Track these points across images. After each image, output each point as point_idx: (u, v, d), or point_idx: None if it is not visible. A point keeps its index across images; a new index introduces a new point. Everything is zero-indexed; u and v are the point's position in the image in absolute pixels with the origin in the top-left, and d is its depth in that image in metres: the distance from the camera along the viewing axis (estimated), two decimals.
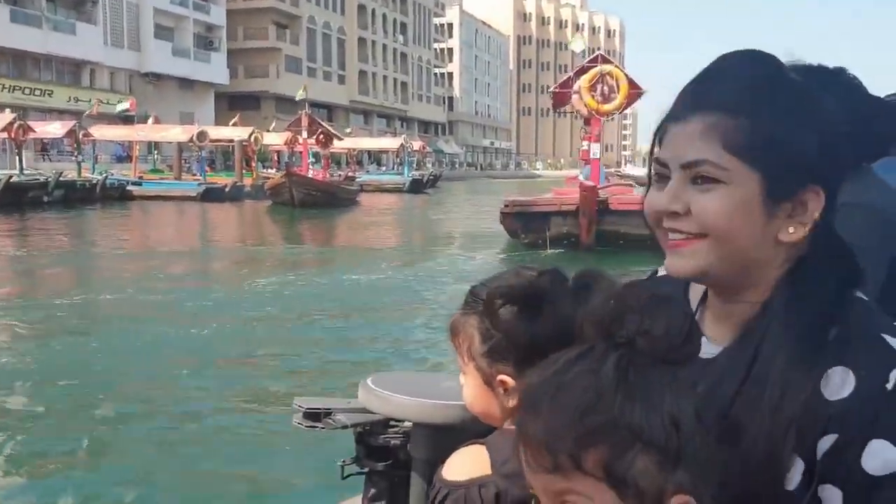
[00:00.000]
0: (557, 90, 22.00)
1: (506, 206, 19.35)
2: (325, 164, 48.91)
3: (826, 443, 0.95)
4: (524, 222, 18.97)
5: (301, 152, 45.14)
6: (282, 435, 5.90)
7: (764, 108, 1.01)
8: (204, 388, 7.56)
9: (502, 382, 1.32)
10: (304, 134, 42.18)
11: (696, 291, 1.19)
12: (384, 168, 71.44)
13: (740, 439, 0.97)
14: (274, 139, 50.64)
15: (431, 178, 65.32)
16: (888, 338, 0.98)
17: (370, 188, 51.58)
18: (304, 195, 34.30)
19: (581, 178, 20.84)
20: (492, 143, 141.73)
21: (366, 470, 2.12)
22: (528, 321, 1.29)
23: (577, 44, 23.20)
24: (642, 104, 19.58)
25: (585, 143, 20.45)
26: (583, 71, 20.24)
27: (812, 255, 1.04)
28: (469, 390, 1.39)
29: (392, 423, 2.10)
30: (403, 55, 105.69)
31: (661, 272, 1.25)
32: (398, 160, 64.68)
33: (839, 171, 1.06)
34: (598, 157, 19.88)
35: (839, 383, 0.96)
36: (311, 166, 45.87)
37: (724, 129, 1.01)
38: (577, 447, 0.84)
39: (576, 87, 20.08)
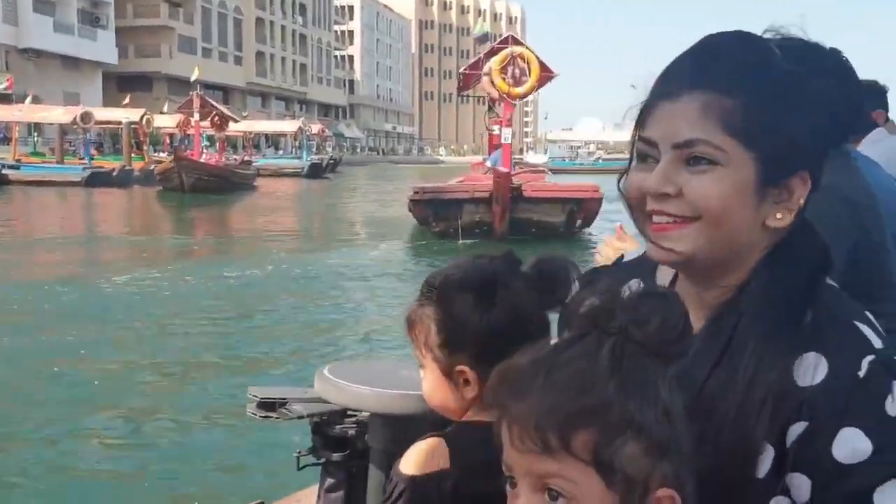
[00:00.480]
0: (467, 71, 21.09)
1: (416, 192, 18.34)
2: (221, 148, 47.11)
3: (797, 430, 0.95)
4: (435, 210, 18.01)
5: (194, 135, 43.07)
6: (234, 426, 5.85)
7: (760, 90, 1.00)
8: (129, 388, 7.18)
9: (461, 373, 1.32)
10: (196, 116, 40.37)
11: (663, 277, 1.17)
12: (281, 152, 69.66)
13: (711, 419, 0.97)
14: (167, 122, 48.54)
15: (331, 162, 64.12)
16: (860, 325, 0.99)
17: (267, 172, 49.91)
18: (195, 180, 32.72)
19: (488, 163, 20.08)
20: (394, 128, 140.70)
21: (322, 461, 2.12)
22: (482, 309, 1.29)
23: (480, 28, 22.28)
24: (545, 91, 18.81)
25: (496, 127, 19.68)
26: (493, 52, 19.42)
27: (789, 241, 1.04)
28: (427, 383, 1.38)
29: (349, 412, 2.08)
30: (303, 37, 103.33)
31: (628, 258, 1.30)
32: (297, 144, 63.26)
33: (824, 155, 1.06)
34: (509, 141, 19.08)
35: (812, 369, 0.95)
36: (205, 150, 43.88)
37: (721, 109, 0.99)
38: (568, 427, 0.83)
39: (486, 68, 19.23)
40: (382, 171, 71.94)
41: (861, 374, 0.94)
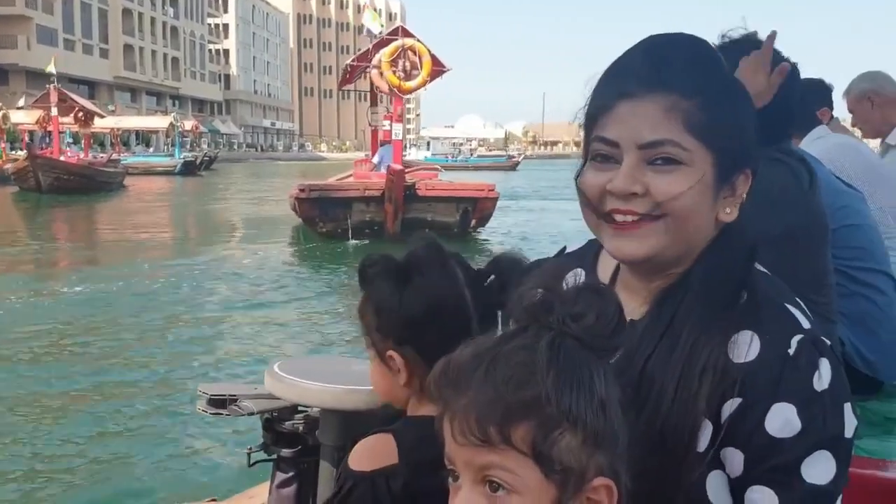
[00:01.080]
0: (355, 63, 19.89)
1: (301, 190, 16.98)
2: (86, 145, 44.13)
3: (731, 406, 1.00)
4: (323, 209, 16.81)
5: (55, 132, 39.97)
6: (183, 424, 5.82)
7: (716, 91, 1.06)
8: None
9: (391, 357, 1.34)
10: (54, 111, 37.44)
11: (605, 267, 1.22)
12: (152, 150, 66.23)
13: (654, 394, 1.03)
14: (25, 118, 45.08)
15: (206, 159, 61.70)
16: (790, 307, 1.07)
17: (137, 171, 47.24)
18: (53, 180, 30.37)
19: (375, 160, 19.02)
20: (273, 124, 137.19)
21: (274, 457, 2.13)
22: (397, 291, 1.32)
23: (372, 23, 21.07)
24: (432, 86, 17.83)
25: (387, 122, 18.57)
26: (382, 44, 18.30)
27: (725, 230, 1.10)
28: (371, 370, 1.40)
29: (300, 408, 2.09)
30: (174, 29, 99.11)
31: (569, 250, 1.33)
32: (169, 141, 60.50)
33: (760, 151, 1.11)
34: (400, 137, 18.05)
35: (746, 347, 1.02)
36: (68, 147, 40.82)
37: (683, 110, 1.03)
38: (508, 420, 0.85)
39: (375, 61, 18.12)
40: (262, 169, 69.89)
41: (791, 351, 1.01)
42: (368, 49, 19.32)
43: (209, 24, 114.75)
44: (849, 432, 1.02)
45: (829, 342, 1.04)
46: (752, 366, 1.01)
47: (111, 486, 5.11)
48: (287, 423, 2.09)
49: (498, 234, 18.54)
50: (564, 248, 1.36)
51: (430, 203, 16.73)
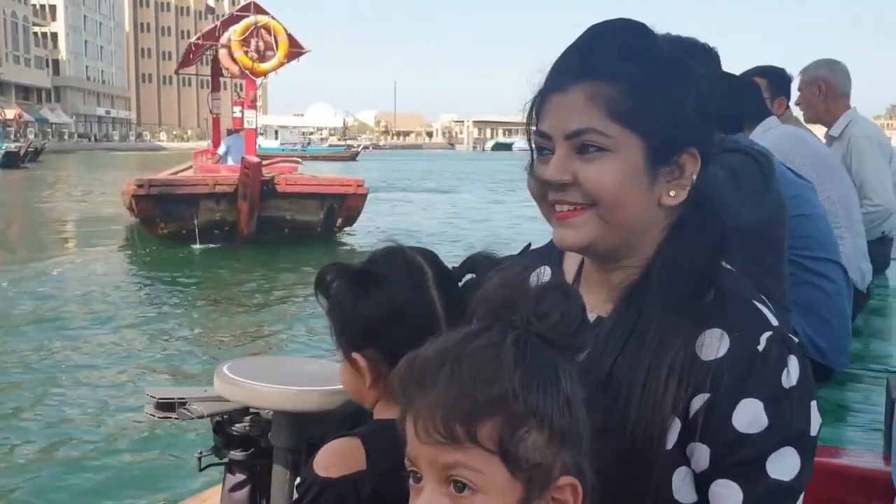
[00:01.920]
0: (199, 41, 17.71)
1: (139, 186, 14.47)
2: None
3: (699, 401, 1.01)
4: (165, 207, 14.54)
5: None
6: (130, 428, 5.72)
7: (643, 74, 1.04)
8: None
9: (355, 360, 1.32)
10: None
11: (570, 263, 1.22)
12: None
13: (622, 395, 1.04)
14: None
15: (32, 151, 56.88)
16: (758, 304, 1.08)
17: None
18: None
19: (220, 151, 17.03)
20: (108, 112, 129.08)
21: (225, 460, 2.10)
22: (353, 298, 1.30)
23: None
24: (280, 72, 15.94)
25: (237, 108, 16.61)
26: (232, 21, 16.29)
27: (688, 220, 1.09)
28: (340, 370, 1.38)
29: (251, 410, 2.04)
30: None
31: (534, 246, 1.33)
32: None
33: (711, 133, 1.13)
34: (253, 126, 16.14)
35: (714, 345, 1.02)
36: None
37: (606, 97, 1.03)
38: (474, 418, 0.84)
39: (224, 40, 16.10)
40: (96, 160, 64.89)
41: (760, 348, 1.02)
42: (215, 26, 17.22)
43: (33, 5, 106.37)
44: (814, 430, 1.04)
45: (796, 339, 1.07)
46: (721, 363, 1.01)
47: (58, 494, 4.90)
48: (238, 425, 2.04)
49: (367, 234, 16.99)
50: (529, 244, 1.36)
51: (290, 200, 14.91)
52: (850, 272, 2.89)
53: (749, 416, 1.00)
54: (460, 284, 1.35)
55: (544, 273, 1.24)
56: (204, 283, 12.19)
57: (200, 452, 2.11)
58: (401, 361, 0.92)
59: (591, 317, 1.09)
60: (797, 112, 4.32)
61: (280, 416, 1.91)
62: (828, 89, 4.26)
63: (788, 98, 4.04)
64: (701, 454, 1.02)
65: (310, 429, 1.73)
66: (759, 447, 1.00)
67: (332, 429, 1.42)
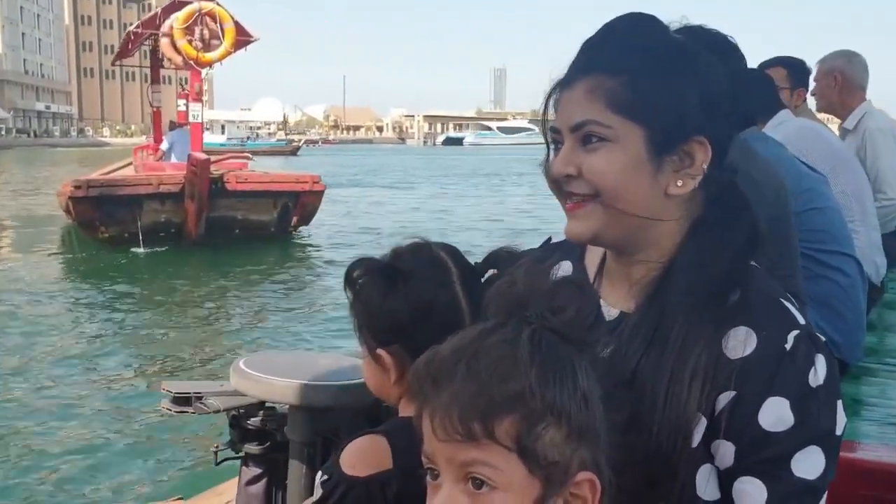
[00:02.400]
0: (139, 30, 16.58)
1: (77, 187, 13.17)
2: None
3: (725, 399, 1.01)
4: (105, 210, 13.28)
5: None
6: (147, 423, 5.76)
7: (644, 65, 1.06)
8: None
9: (380, 356, 1.32)
10: None
11: (592, 257, 1.23)
12: None
13: (647, 396, 1.03)
14: None
15: None
16: (785, 303, 1.07)
17: None
18: None
19: (163, 147, 16.01)
20: (48, 108, 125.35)
21: (241, 454, 2.10)
22: (381, 294, 1.30)
23: None
24: (227, 65, 14.87)
25: (182, 101, 15.57)
26: (175, 8, 15.19)
27: (713, 216, 1.10)
28: (363, 366, 1.38)
29: (267, 405, 2.04)
30: None
31: (555, 240, 1.33)
32: None
33: (724, 123, 1.10)
34: (199, 120, 15.13)
35: (741, 343, 1.02)
36: None
37: (606, 89, 1.06)
38: (491, 414, 0.84)
39: (166, 27, 15.01)
40: (34, 156, 62.60)
41: (787, 346, 1.02)
42: (156, 14, 16.08)
43: None
44: (839, 429, 1.04)
45: (823, 339, 1.07)
46: (747, 361, 1.01)
47: (75, 487, 4.94)
48: (254, 419, 2.03)
49: (324, 233, 16.06)
50: (549, 238, 1.36)
51: (241, 199, 13.88)
52: (864, 266, 2.84)
53: (775, 414, 1.00)
54: (483, 280, 1.33)
55: (564, 267, 1.25)
56: (149, 290, 11.19)
57: (217, 447, 2.10)
58: (416, 361, 0.91)
59: (614, 312, 1.13)
60: (812, 103, 4.21)
61: (295, 410, 1.91)
62: (843, 81, 4.19)
63: (807, 90, 3.94)
64: (726, 451, 1.02)
65: (325, 423, 1.75)
66: (784, 445, 1.00)
67: (346, 423, 1.48)
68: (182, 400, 2.09)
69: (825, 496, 1.04)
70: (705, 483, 1.04)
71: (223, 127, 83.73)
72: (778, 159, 2.43)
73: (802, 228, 2.37)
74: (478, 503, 0.86)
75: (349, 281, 1.34)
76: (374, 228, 16.90)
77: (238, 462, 2.11)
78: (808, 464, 1.01)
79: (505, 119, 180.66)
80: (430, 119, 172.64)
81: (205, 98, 17.03)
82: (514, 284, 0.94)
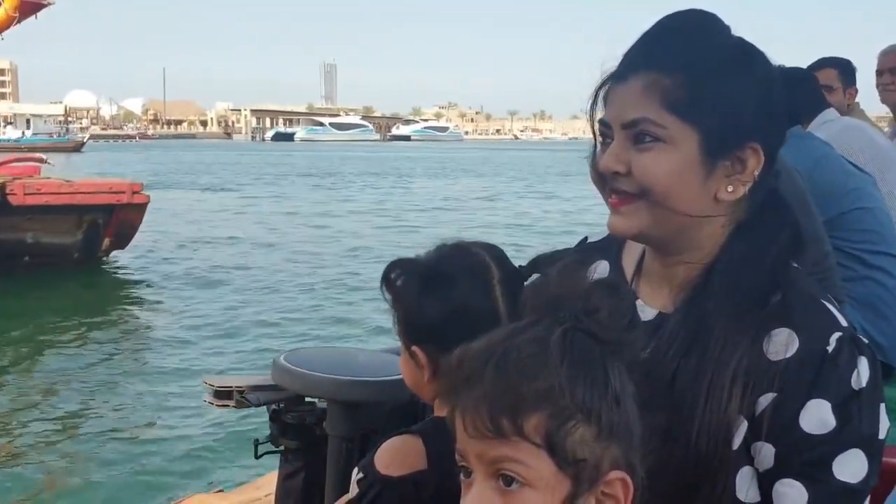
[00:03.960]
0: None
1: None
2: None
3: (766, 400, 1.01)
4: None
5: None
6: (188, 415, 6.16)
7: (701, 66, 1.05)
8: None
9: (415, 353, 1.33)
10: None
11: (629, 257, 1.23)
12: None
13: (687, 400, 1.03)
14: None
15: None
16: (827, 304, 1.07)
17: None
18: None
19: None
20: None
21: (281, 448, 2.13)
22: (418, 296, 1.31)
23: None
24: (31, 55, 11.88)
25: None
26: None
27: (757, 219, 1.10)
28: (401, 360, 1.39)
29: (307, 400, 2.09)
30: None
31: (591, 239, 1.33)
32: None
33: (778, 130, 1.11)
34: None
35: (783, 344, 1.02)
36: None
37: (662, 88, 1.05)
38: (521, 411, 0.85)
39: None
40: None
41: (829, 349, 1.01)
42: None
43: None
44: (882, 433, 1.03)
45: (866, 340, 1.06)
46: (789, 363, 1.01)
47: (119, 479, 5.21)
48: (293, 414, 2.06)
49: (144, 257, 13.41)
50: (586, 238, 1.36)
51: (32, 216, 11.10)
52: None
53: (817, 416, 1.00)
54: (526, 284, 1.30)
55: (601, 268, 1.25)
56: None
57: (257, 440, 2.13)
58: (448, 357, 0.92)
59: (652, 313, 1.13)
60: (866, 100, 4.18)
61: (334, 405, 1.94)
62: None
63: (856, 88, 3.87)
64: (766, 453, 1.02)
65: (364, 418, 1.76)
66: (826, 448, 1.00)
67: (384, 419, 1.50)
68: (224, 394, 2.10)
69: (868, 501, 1.03)
70: (746, 485, 1.04)
71: (28, 121, 76.51)
72: (825, 158, 2.55)
73: (848, 228, 2.50)
74: (508, 500, 0.86)
75: (386, 282, 1.35)
76: (200, 240, 14.56)
77: (278, 456, 2.13)
78: (851, 467, 1.00)
79: (337, 115, 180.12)
80: (259, 114, 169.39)
81: (8, 90, 13.98)
82: (548, 284, 0.95)
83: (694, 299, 1.08)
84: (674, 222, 1.07)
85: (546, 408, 0.84)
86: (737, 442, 1.02)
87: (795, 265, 1.11)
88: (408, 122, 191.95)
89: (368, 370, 1.89)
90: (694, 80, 1.04)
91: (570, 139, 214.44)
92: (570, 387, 0.85)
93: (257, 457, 2.12)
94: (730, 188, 1.07)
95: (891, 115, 4.42)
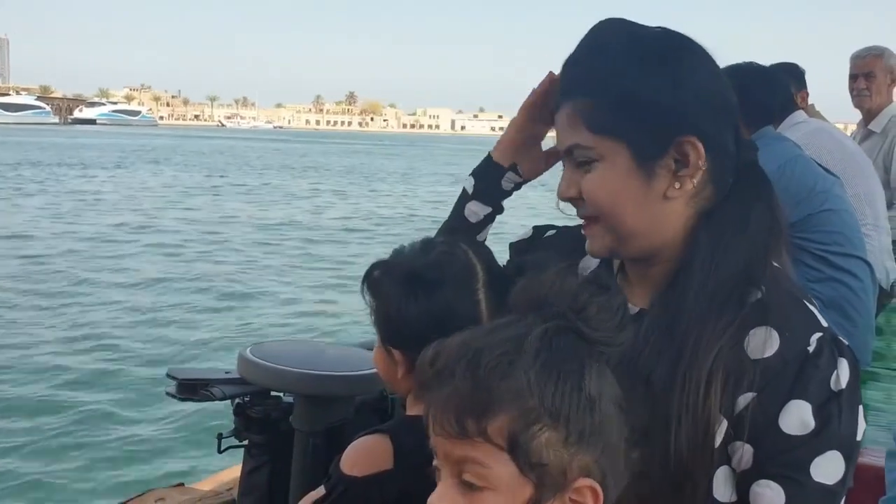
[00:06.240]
0: None
1: None
2: None
3: (745, 400, 1.01)
4: None
5: None
6: (150, 408, 6.05)
7: (611, 80, 1.06)
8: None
9: (391, 350, 1.33)
10: None
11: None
12: None
13: (665, 399, 1.01)
14: None
15: None
16: (808, 304, 1.07)
17: None
18: None
19: None
20: None
21: (245, 442, 2.10)
22: (400, 301, 1.29)
23: None
24: None
25: None
26: None
27: (720, 212, 1.09)
28: (374, 352, 1.38)
29: (273, 393, 2.06)
30: None
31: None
32: None
33: (715, 116, 1.09)
34: None
35: (763, 343, 1.02)
36: None
37: (583, 111, 1.08)
38: (486, 411, 0.83)
39: None
40: None
41: (810, 349, 1.01)
42: None
43: None
44: (859, 434, 1.03)
45: (846, 342, 1.05)
46: (770, 362, 1.00)
47: (74, 474, 5.04)
48: (259, 408, 2.04)
49: None
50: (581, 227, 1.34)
51: None
52: (875, 270, 2.82)
53: (797, 418, 0.99)
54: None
55: (590, 259, 1.24)
56: None
57: (220, 434, 2.08)
58: (424, 352, 0.89)
59: (633, 309, 1.10)
60: (819, 104, 4.25)
61: (301, 399, 1.93)
62: (893, 82, 4.16)
63: (807, 92, 3.91)
64: (744, 454, 1.01)
65: (331, 413, 1.73)
66: (805, 450, 0.99)
67: (352, 414, 1.42)
68: (187, 387, 2.07)
69: (843, 501, 1.03)
70: (722, 485, 1.03)
71: None
72: (794, 159, 2.56)
73: (816, 229, 2.52)
74: (470, 500, 0.84)
75: (369, 282, 1.33)
76: None
77: (242, 450, 2.08)
78: (828, 469, 1.00)
79: (7, 94, 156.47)
80: None
81: None
82: (537, 284, 0.92)
83: (667, 296, 1.08)
84: (637, 236, 1.08)
85: (512, 409, 0.82)
86: (717, 441, 1.01)
87: (776, 264, 1.11)
88: (93, 104, 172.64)
89: (336, 364, 1.87)
90: (606, 96, 1.06)
91: (275, 128, 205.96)
92: (539, 389, 0.83)
93: (220, 451, 2.08)
94: (677, 185, 1.07)
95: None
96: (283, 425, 2.00)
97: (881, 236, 3.37)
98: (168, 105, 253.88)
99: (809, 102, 3.97)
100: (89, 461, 5.29)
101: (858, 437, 1.03)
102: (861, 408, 1.04)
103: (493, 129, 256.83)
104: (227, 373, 2.10)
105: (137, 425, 5.83)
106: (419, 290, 1.28)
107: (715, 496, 1.03)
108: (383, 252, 1.40)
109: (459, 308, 1.28)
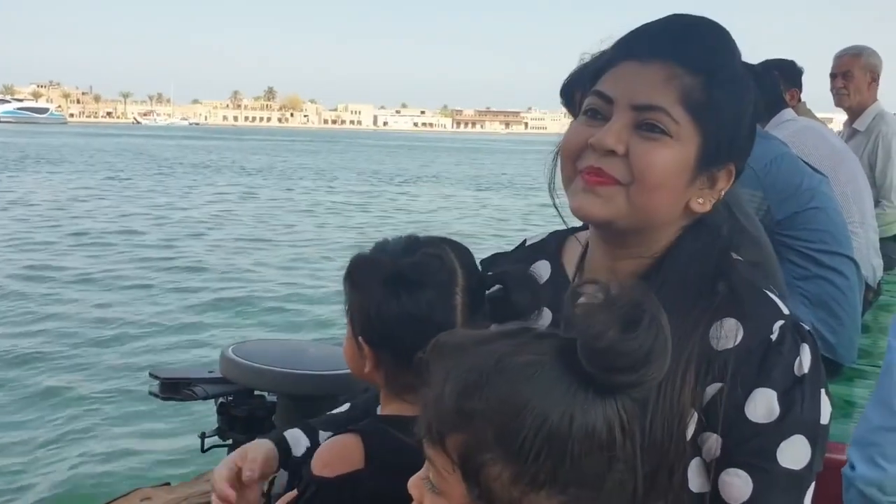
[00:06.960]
0: None
1: None
2: None
3: (713, 390, 1.03)
4: None
5: None
6: (134, 407, 5.98)
7: (721, 74, 1.06)
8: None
9: (361, 344, 1.33)
10: None
11: (570, 255, 1.25)
12: None
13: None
14: None
15: None
16: (769, 293, 1.09)
17: None
18: None
19: None
20: None
21: (229, 442, 2.11)
22: (379, 298, 1.29)
23: None
24: None
25: None
26: None
27: (706, 219, 1.12)
28: (345, 342, 1.39)
29: (256, 393, 2.07)
30: None
31: (530, 241, 1.34)
32: None
33: (749, 152, 1.13)
34: None
35: (728, 334, 1.04)
36: None
37: (684, 84, 1.04)
38: (445, 424, 0.82)
39: None
40: None
41: (773, 337, 1.03)
42: None
43: None
44: (825, 418, 1.05)
45: (807, 327, 1.07)
46: (734, 352, 1.03)
47: (58, 475, 5.00)
48: (243, 407, 2.03)
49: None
50: (525, 241, 1.36)
51: None
52: (861, 267, 2.83)
53: (763, 406, 1.01)
54: (487, 294, 1.29)
55: (542, 267, 1.26)
56: None
57: (204, 434, 2.07)
58: (434, 339, 0.89)
59: None
60: (810, 102, 4.20)
61: (284, 398, 1.95)
62: (873, 83, 4.21)
63: (800, 90, 3.92)
64: (713, 443, 1.03)
65: (314, 412, 1.63)
66: (770, 436, 1.01)
67: (333, 413, 1.46)
68: (170, 386, 2.06)
69: (812, 486, 1.04)
70: (695, 475, 1.04)
71: None
72: (781, 158, 2.55)
73: (802, 227, 2.54)
74: (431, 499, 0.86)
75: (350, 278, 1.33)
76: None
77: (225, 449, 2.04)
78: (794, 454, 1.01)
79: None
80: None
81: None
82: (579, 297, 0.85)
83: None
84: (645, 217, 1.07)
85: (468, 430, 0.80)
86: (690, 431, 1.02)
87: (737, 256, 1.13)
88: None
89: (319, 363, 1.87)
90: (713, 86, 1.04)
91: (191, 125, 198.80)
92: (497, 419, 0.79)
93: (204, 450, 2.09)
94: (700, 200, 1.09)
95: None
96: (266, 424, 2.00)
97: (868, 234, 3.39)
98: (79, 102, 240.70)
99: (802, 100, 3.98)
100: (74, 461, 5.29)
101: (824, 421, 1.05)
102: (824, 392, 1.06)
103: (415, 124, 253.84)
104: (210, 372, 2.10)
105: (122, 424, 5.83)
106: (401, 290, 1.27)
107: (689, 487, 1.04)
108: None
109: (437, 312, 1.27)
